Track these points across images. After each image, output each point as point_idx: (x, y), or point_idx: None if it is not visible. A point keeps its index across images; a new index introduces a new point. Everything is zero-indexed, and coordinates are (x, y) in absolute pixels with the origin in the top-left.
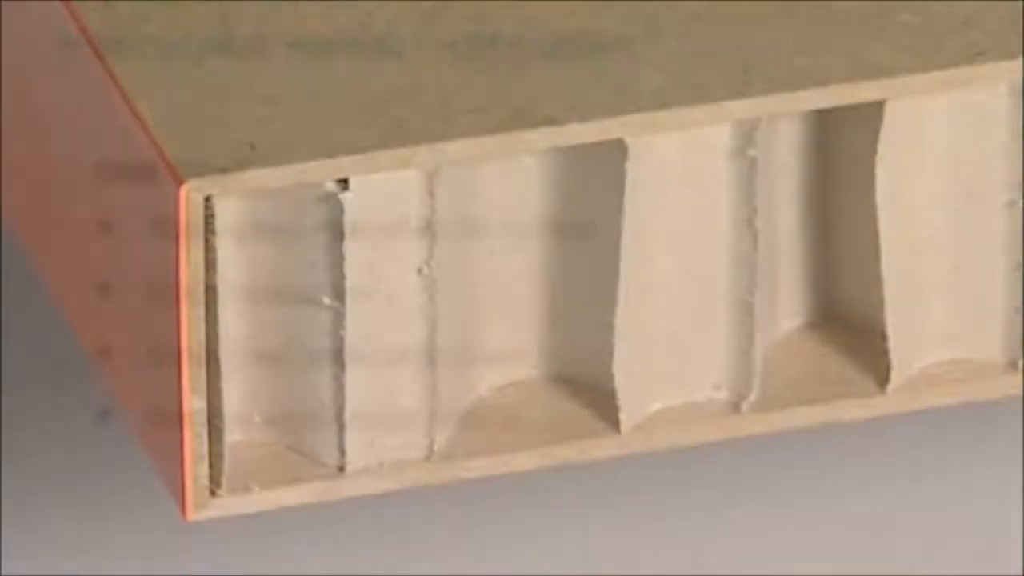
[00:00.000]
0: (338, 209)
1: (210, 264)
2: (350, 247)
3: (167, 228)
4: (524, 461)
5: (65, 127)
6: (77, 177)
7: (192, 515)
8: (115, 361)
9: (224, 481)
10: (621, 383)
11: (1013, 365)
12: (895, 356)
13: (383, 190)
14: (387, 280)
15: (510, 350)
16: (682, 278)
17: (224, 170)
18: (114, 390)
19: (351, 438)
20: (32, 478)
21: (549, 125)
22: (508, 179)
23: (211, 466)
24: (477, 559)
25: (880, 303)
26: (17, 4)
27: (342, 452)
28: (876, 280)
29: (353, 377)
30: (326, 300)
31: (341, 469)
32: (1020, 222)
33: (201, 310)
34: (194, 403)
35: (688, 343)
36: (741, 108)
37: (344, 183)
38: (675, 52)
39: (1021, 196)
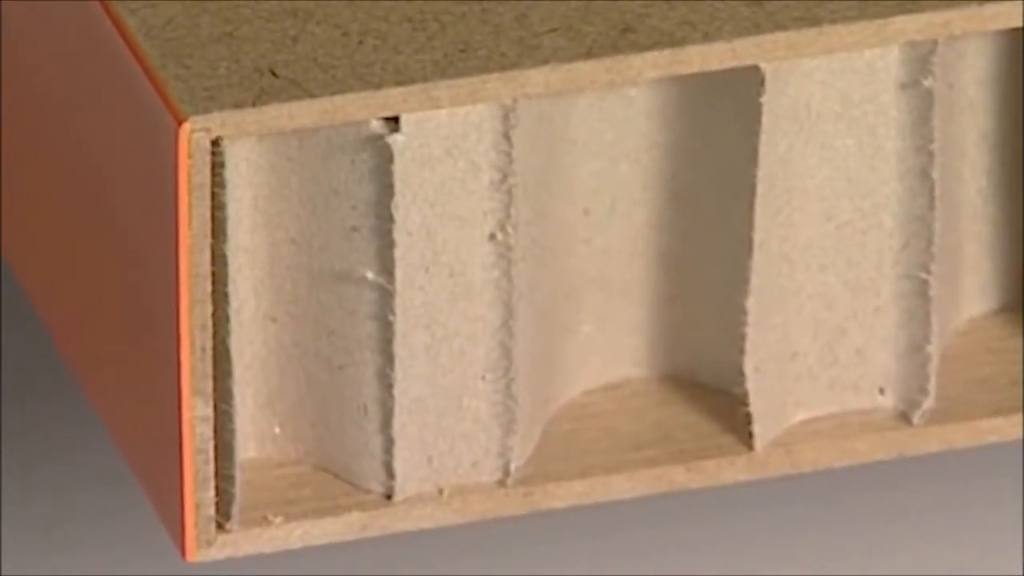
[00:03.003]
0: (386, 155)
1: (218, 226)
2: (402, 205)
3: (164, 178)
4: (625, 487)
5: (49, 67)
6: (61, 120)
7: (194, 555)
8: (96, 358)
9: (235, 512)
10: (754, 385)
11: None
12: None
13: (444, 131)
14: (450, 249)
15: (608, 342)
16: (835, 247)
17: (237, 105)
18: (98, 395)
19: (402, 456)
20: (30, 489)
21: (660, 47)
22: (606, 117)
23: (219, 492)
24: None
25: None
26: None
27: (390, 474)
28: None
29: (405, 375)
30: (370, 275)
31: (388, 496)
32: None
33: (207, 286)
34: (196, 409)
35: (843, 333)
36: (914, 26)
37: (394, 122)
38: None
39: None
